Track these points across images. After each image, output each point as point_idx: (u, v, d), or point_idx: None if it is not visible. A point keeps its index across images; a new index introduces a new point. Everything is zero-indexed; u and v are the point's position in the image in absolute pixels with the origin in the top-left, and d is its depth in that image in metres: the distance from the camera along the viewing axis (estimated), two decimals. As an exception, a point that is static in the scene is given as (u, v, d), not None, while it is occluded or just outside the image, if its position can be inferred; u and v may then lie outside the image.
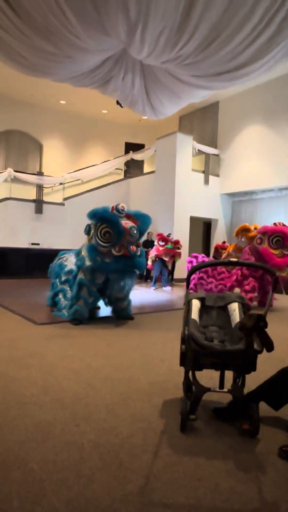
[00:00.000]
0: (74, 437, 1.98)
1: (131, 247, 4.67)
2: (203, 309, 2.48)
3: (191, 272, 2.16)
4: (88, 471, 1.68)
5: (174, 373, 3.04)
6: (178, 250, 9.35)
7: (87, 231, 4.92)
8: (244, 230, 7.17)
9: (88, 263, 4.74)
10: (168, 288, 9.35)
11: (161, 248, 9.11)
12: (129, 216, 5.01)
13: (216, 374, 2.62)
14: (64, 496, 1.51)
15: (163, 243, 9.18)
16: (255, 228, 7.14)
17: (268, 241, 6.33)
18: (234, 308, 2.36)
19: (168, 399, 2.52)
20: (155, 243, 9.38)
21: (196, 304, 2.40)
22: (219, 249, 9.11)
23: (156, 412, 2.31)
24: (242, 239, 7.32)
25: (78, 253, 5.21)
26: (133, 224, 4.85)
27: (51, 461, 1.75)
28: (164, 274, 9.45)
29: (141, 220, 5.10)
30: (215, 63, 5.53)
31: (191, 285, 6.90)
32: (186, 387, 2.34)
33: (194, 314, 2.32)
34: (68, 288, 5.18)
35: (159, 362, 3.34)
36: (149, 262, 9.32)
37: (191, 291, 7.21)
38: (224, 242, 9.62)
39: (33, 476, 1.63)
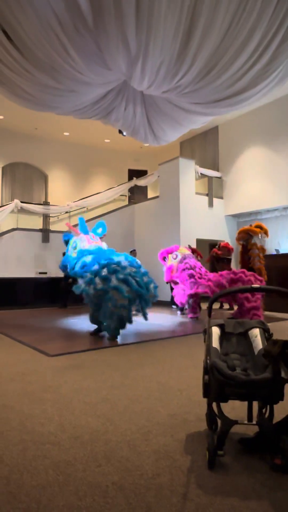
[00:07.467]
0: (97, 479, 1.87)
1: None
2: (223, 336, 2.41)
3: (213, 300, 2.11)
4: (115, 518, 1.57)
5: (194, 403, 2.92)
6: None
7: None
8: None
9: None
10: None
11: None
12: None
13: (238, 404, 2.51)
14: None
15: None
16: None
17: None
18: (256, 334, 2.29)
19: (191, 432, 2.41)
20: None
21: (216, 331, 2.34)
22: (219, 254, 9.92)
23: (180, 448, 2.20)
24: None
25: None
26: None
27: (75, 507, 1.64)
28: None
29: None
30: (214, 91, 5.66)
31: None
32: (210, 419, 2.24)
33: (215, 342, 2.25)
34: None
35: (177, 392, 3.22)
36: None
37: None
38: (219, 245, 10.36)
39: (58, 525, 1.53)
